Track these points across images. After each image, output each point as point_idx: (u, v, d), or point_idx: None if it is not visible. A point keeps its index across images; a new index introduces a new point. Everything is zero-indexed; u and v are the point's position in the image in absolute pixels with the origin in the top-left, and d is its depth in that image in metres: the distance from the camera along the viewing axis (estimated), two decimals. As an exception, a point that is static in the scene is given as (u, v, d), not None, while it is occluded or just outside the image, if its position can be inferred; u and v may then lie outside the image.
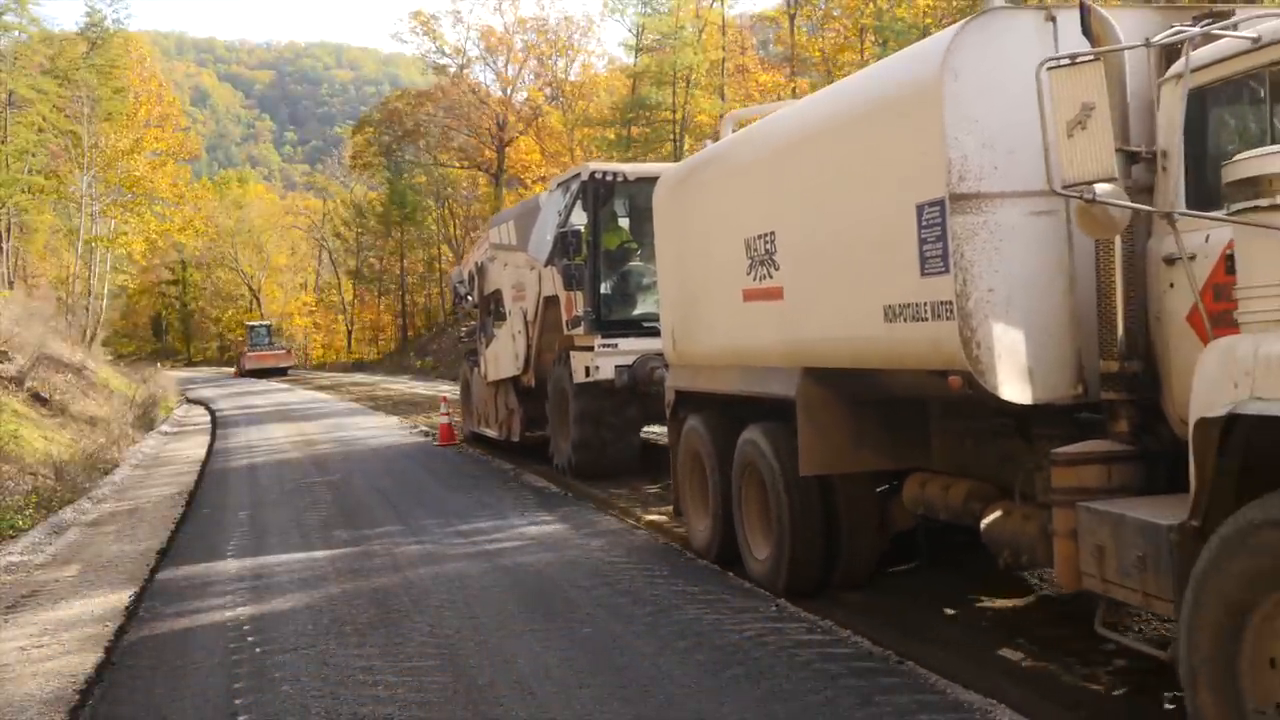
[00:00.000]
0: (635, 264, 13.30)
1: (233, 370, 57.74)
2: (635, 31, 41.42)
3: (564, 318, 13.21)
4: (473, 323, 18.32)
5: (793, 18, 35.69)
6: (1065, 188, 4.28)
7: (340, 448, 19.09)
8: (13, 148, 35.43)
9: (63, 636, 7.40)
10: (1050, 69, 4.28)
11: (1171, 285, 4.67)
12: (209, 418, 28.17)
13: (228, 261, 72.33)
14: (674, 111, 38.20)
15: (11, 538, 11.24)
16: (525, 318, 14.67)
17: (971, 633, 6.43)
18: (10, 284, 35.68)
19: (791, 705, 5.28)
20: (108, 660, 6.77)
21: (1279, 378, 3.62)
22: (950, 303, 5.22)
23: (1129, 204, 4.38)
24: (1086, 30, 4.73)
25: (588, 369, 12.60)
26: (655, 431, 13.65)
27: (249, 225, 72.56)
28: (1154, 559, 4.26)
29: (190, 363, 75.33)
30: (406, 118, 54.35)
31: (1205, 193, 4.46)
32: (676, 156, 35.99)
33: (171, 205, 50.37)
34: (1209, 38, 4.61)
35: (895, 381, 6.13)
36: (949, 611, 6.82)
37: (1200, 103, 4.61)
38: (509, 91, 53.88)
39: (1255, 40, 4.34)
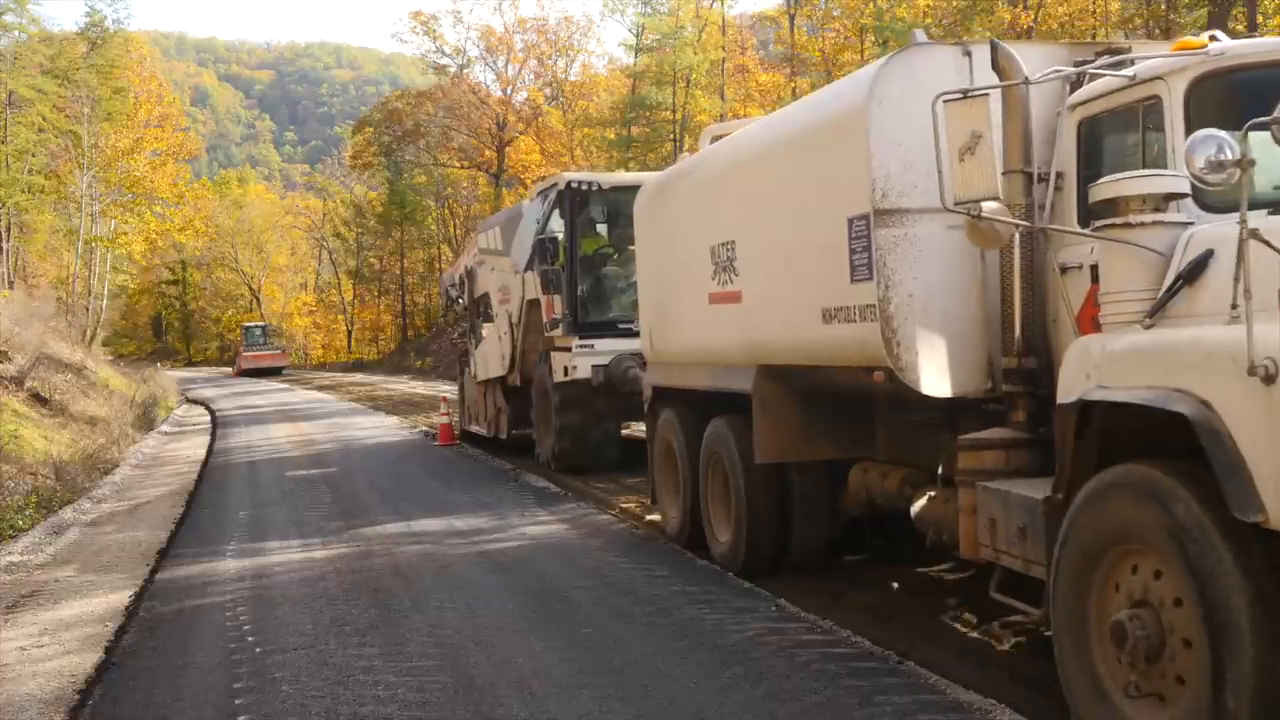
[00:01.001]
0: (611, 268, 13.99)
1: (230, 370, 58.00)
2: (635, 31, 41.46)
3: (544, 320, 13.74)
4: (464, 324, 18.99)
5: (793, 18, 35.69)
6: (956, 204, 4.90)
7: (340, 448, 19.10)
8: (13, 148, 35.45)
9: (63, 636, 7.40)
10: (945, 101, 4.89)
11: (1066, 290, 5.27)
12: (209, 418, 28.16)
13: (228, 261, 72.31)
14: (674, 111, 38.21)
15: (11, 538, 11.24)
16: (510, 320, 15.35)
17: (973, 633, 6.43)
18: (10, 284, 35.68)
19: (791, 705, 5.28)
20: (108, 660, 6.76)
21: (1118, 370, 4.32)
22: (874, 306, 5.84)
23: (1008, 220, 5.02)
24: (995, 65, 5.39)
25: (566, 368, 13.34)
26: (639, 429, 13.82)
27: (249, 225, 72.55)
28: (1031, 529, 4.92)
29: (190, 363, 75.29)
30: (406, 118, 54.35)
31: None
32: (676, 156, 35.99)
33: (171, 205, 50.35)
34: (1090, 76, 5.23)
35: (835, 377, 6.74)
36: (949, 611, 6.82)
37: (1090, 130, 5.24)
38: (509, 91, 53.95)
39: (1131, 78, 4.96)
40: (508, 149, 52.43)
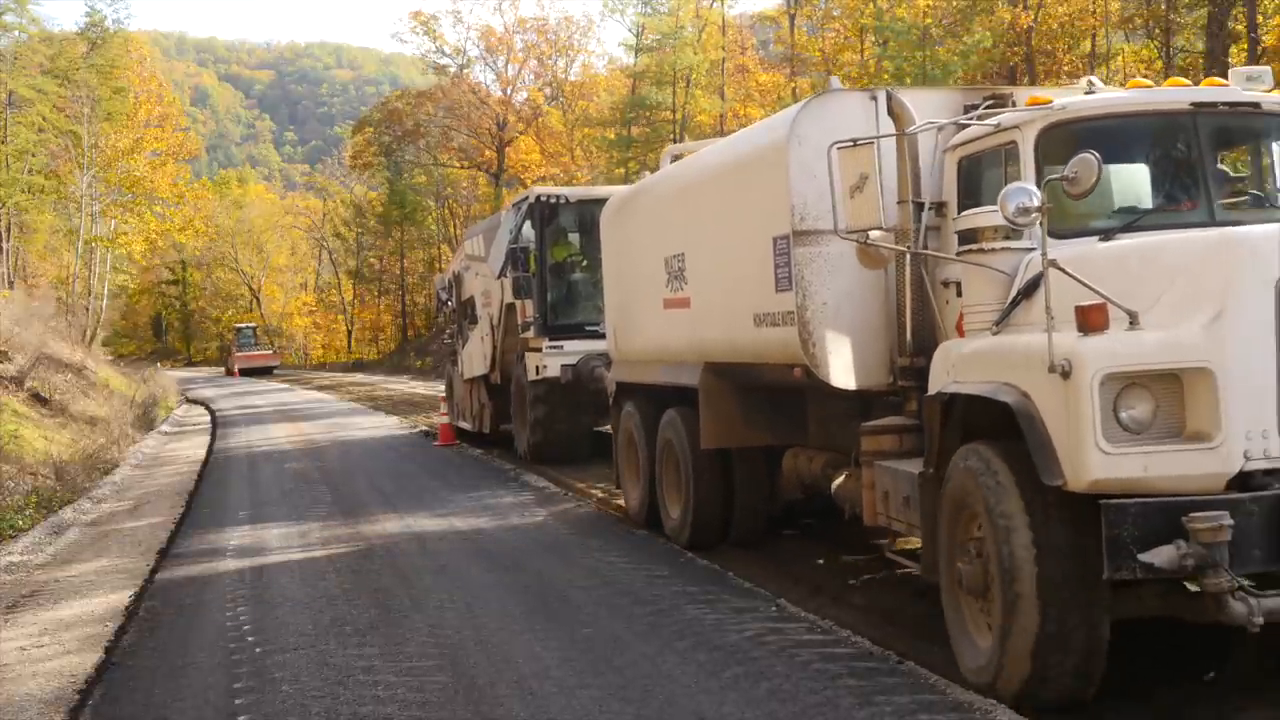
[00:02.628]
0: (579, 275, 15.04)
1: (223, 370, 58.68)
2: (635, 31, 41.43)
3: (519, 322, 15.00)
4: (453, 326, 19.99)
5: (793, 18, 35.68)
6: (847, 234, 5.94)
7: (340, 447, 19.10)
8: (13, 148, 35.44)
9: (63, 636, 7.40)
10: (838, 148, 5.83)
11: (947, 302, 6.27)
12: (209, 418, 28.15)
13: (228, 261, 72.24)
14: (674, 111, 38.20)
15: (11, 538, 11.24)
16: (491, 322, 16.53)
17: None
18: (10, 284, 35.67)
19: (791, 705, 5.28)
20: (108, 660, 6.76)
21: (968, 368, 5.42)
22: (794, 313, 6.81)
23: (889, 245, 6.13)
24: (890, 111, 6.55)
25: (538, 367, 14.41)
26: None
27: (249, 225, 72.48)
28: (912, 498, 5.92)
29: (190, 363, 75.23)
30: (406, 118, 54.31)
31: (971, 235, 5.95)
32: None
33: (171, 205, 50.29)
34: (959, 126, 6.26)
35: (765, 373, 7.74)
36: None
37: (966, 167, 6.27)
38: (509, 91, 53.92)
39: (996, 126, 5.98)
40: (508, 149, 52.40)
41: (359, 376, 48.50)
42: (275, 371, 55.29)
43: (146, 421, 25.85)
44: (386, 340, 65.90)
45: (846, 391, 6.81)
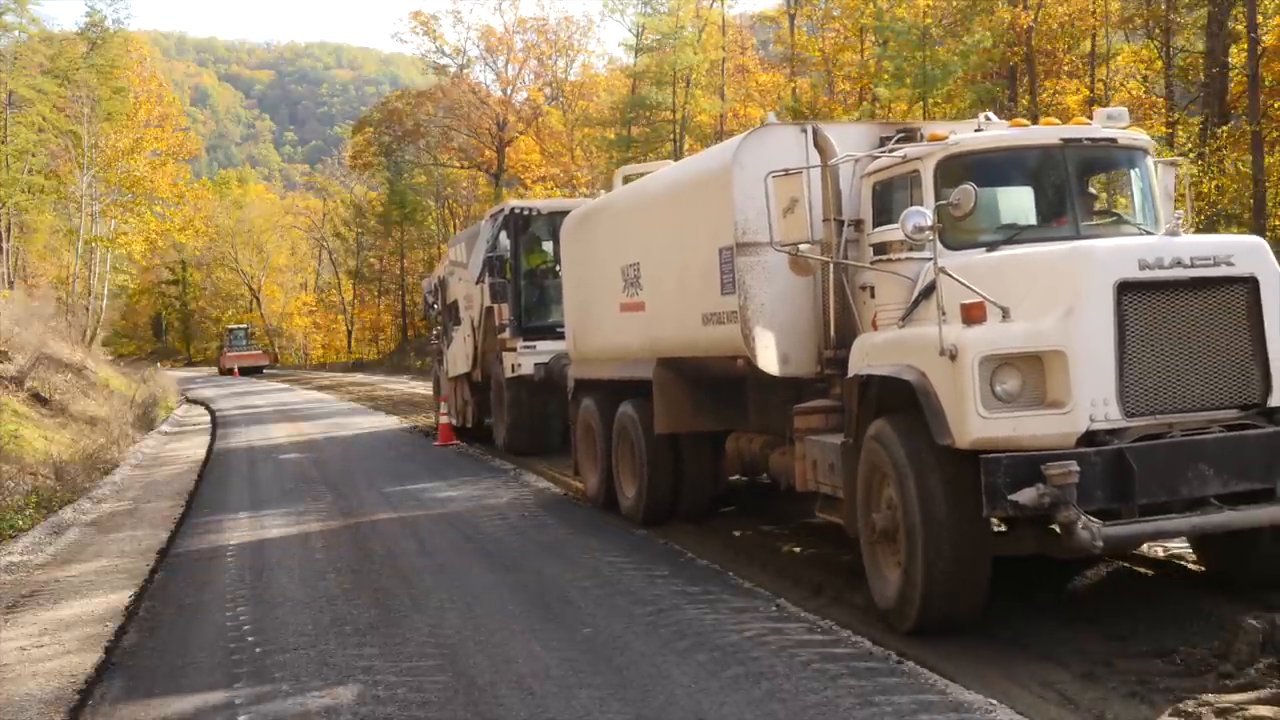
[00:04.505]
0: (551, 280, 15.96)
1: (216, 370, 59.24)
2: (635, 31, 41.35)
3: (497, 324, 16.22)
4: (440, 327, 21.21)
5: (793, 18, 35.67)
6: (780, 247, 7.27)
7: (340, 448, 19.10)
8: (13, 148, 35.41)
9: (63, 636, 7.40)
10: (773, 177, 7.14)
11: (864, 303, 7.44)
12: (209, 418, 28.14)
13: (228, 261, 72.20)
14: (674, 111, 38.18)
15: (11, 538, 11.25)
16: (473, 324, 17.69)
17: (972, 633, 6.43)
18: (10, 284, 35.66)
19: (791, 705, 5.28)
20: (108, 660, 6.76)
21: (878, 355, 6.68)
22: (736, 312, 7.94)
23: (816, 256, 7.46)
24: (816, 144, 7.56)
25: (514, 366, 15.69)
26: None
27: (249, 225, 72.41)
28: (836, 465, 7.09)
29: (190, 363, 75.22)
30: (406, 118, 54.25)
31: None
32: (676, 156, 35.94)
33: (171, 205, 50.25)
34: (873, 157, 7.42)
35: (712, 365, 8.92)
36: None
37: (879, 191, 7.45)
38: (509, 91, 53.86)
39: (903, 157, 7.17)
40: (508, 149, 52.36)
41: (359, 376, 48.49)
42: (275, 372, 56.09)
43: (146, 421, 25.85)
44: (386, 340, 65.85)
45: (781, 379, 8.02)
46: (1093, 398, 5.77)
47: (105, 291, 45.19)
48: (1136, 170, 7.35)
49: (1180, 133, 24.41)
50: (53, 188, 38.49)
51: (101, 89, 39.47)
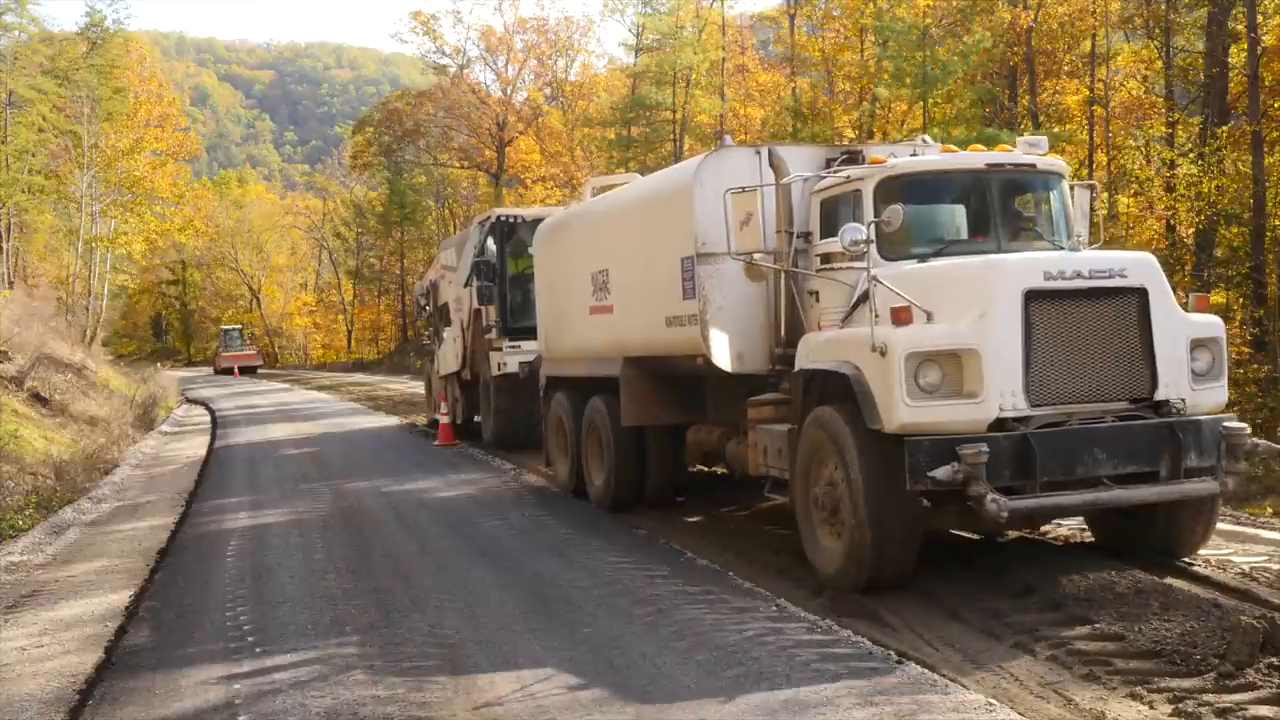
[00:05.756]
0: (534, 284, 16.46)
1: (211, 370, 59.70)
2: (635, 31, 41.33)
3: (484, 325, 17.16)
4: (431, 328, 22.15)
5: (793, 18, 35.62)
6: (737, 256, 8.21)
7: (340, 448, 19.09)
8: (13, 148, 35.36)
9: (63, 636, 7.40)
10: (731, 193, 8.05)
11: (810, 307, 8.35)
12: (209, 418, 28.11)
13: (228, 261, 72.16)
14: (674, 111, 38.16)
15: (11, 538, 11.24)
16: (462, 325, 18.58)
17: (972, 633, 6.43)
18: (10, 284, 35.63)
19: (791, 705, 5.28)
20: (108, 660, 6.76)
21: (821, 352, 7.60)
22: (696, 315, 8.84)
23: (768, 265, 8.38)
24: (771, 163, 8.40)
25: (499, 364, 16.58)
26: None
27: (249, 225, 72.38)
28: (784, 450, 7.97)
29: (190, 363, 75.15)
30: (406, 118, 54.24)
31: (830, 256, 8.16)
32: (676, 156, 35.93)
33: (171, 205, 50.18)
34: (820, 177, 8.39)
35: (674, 363, 9.77)
36: (950, 611, 6.82)
37: (825, 207, 8.34)
38: (509, 91, 53.84)
39: (847, 178, 8.09)
40: (508, 149, 52.34)
41: (359, 376, 48.47)
42: (276, 372, 56.28)
43: (146, 421, 25.83)
44: (386, 340, 65.80)
45: (736, 375, 8.87)
46: (1002, 390, 6.65)
47: (105, 291, 45.15)
48: (1053, 192, 8.22)
49: (1180, 133, 24.40)
50: (53, 188, 38.42)
51: (101, 89, 39.41)
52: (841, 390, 7.15)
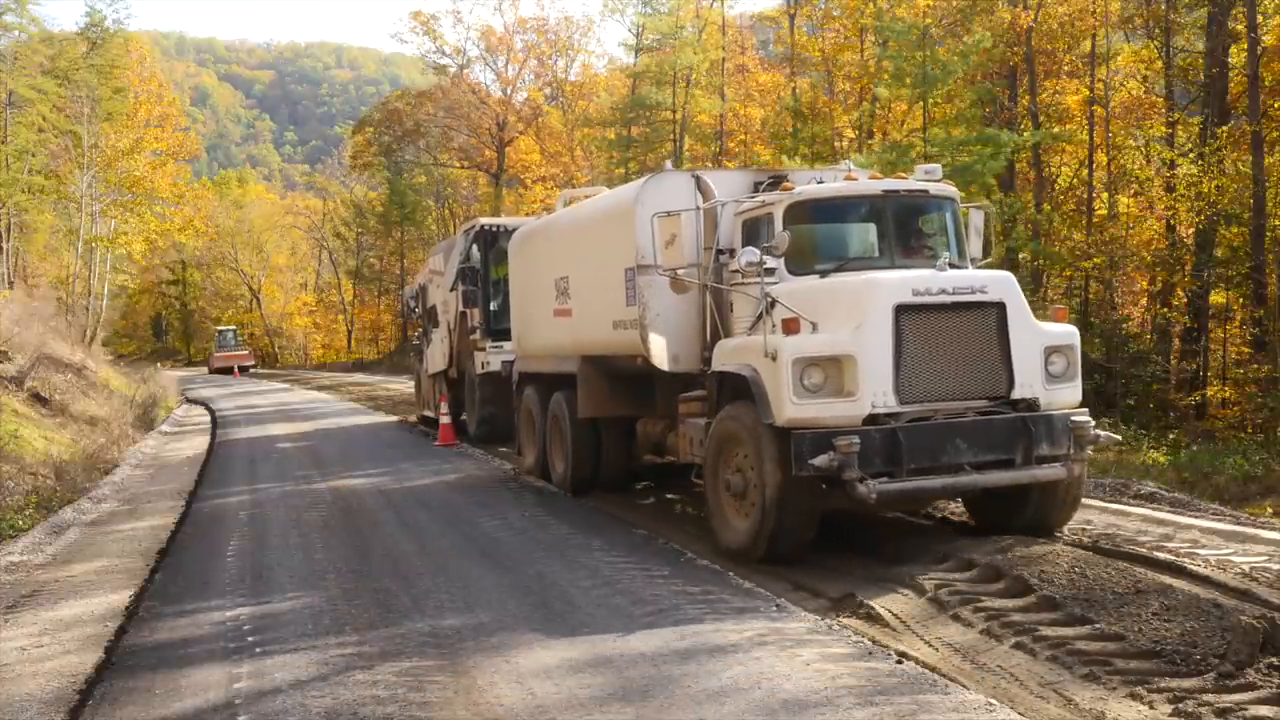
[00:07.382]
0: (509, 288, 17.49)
1: (205, 369, 60.07)
2: (635, 31, 41.34)
3: (469, 327, 18.16)
4: (420, 329, 23.35)
5: (793, 18, 35.63)
6: (664, 271, 9.24)
7: (340, 448, 19.09)
8: (13, 148, 35.35)
9: (63, 636, 7.40)
10: (657, 217, 9.17)
11: (729, 315, 9.41)
12: (209, 417, 28.10)
13: (228, 261, 72.12)
14: (674, 111, 38.17)
15: (11, 538, 11.24)
16: (449, 326, 19.64)
17: (973, 633, 6.43)
18: (10, 284, 35.62)
19: (791, 705, 5.28)
20: (108, 660, 6.76)
21: (728, 356, 8.71)
22: (637, 320, 9.89)
23: (691, 280, 9.39)
24: (699, 187, 9.74)
25: (483, 364, 17.71)
26: None
27: (249, 225, 72.33)
28: (703, 440, 9.03)
29: (190, 363, 75.09)
30: (406, 118, 54.27)
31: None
32: (677, 156, 35.95)
33: (171, 205, 50.16)
34: (739, 201, 9.46)
35: (621, 362, 10.82)
36: (950, 611, 6.83)
37: (746, 227, 9.34)
38: (509, 91, 53.88)
39: (762, 202, 9.15)
40: (508, 149, 52.37)
41: (359, 376, 48.45)
42: (276, 372, 56.41)
43: (146, 421, 25.83)
44: (386, 340, 65.80)
45: (673, 374, 9.89)
46: (875, 390, 7.70)
47: (105, 291, 45.12)
48: (946, 215, 9.22)
49: (1180, 133, 24.41)
50: (53, 188, 38.40)
51: (101, 89, 39.39)
52: (744, 388, 8.20)
